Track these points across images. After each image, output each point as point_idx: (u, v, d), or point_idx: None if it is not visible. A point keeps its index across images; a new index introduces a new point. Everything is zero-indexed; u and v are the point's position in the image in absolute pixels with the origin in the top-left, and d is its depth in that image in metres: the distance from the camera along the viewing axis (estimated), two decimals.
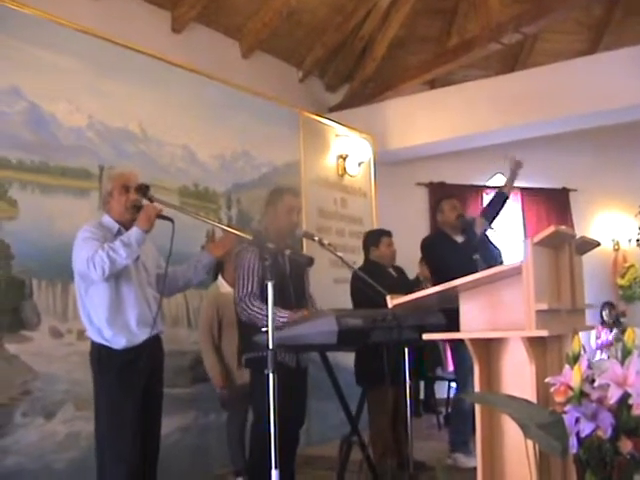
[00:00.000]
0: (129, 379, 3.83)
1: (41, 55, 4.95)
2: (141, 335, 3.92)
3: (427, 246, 6.26)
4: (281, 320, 4.02)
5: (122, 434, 3.78)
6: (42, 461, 4.60)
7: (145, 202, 3.94)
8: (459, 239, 6.09)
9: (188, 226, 3.99)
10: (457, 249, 6.00)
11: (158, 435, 4.08)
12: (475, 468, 2.97)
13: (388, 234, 6.13)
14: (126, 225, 3.97)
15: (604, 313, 10.56)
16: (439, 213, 6.24)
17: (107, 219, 4.01)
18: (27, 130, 4.85)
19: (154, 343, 4.02)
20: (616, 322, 10.05)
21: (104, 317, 3.83)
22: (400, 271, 6.05)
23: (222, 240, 4.31)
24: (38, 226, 4.79)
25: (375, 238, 6.06)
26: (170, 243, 3.83)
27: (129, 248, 3.74)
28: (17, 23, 4.83)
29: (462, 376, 5.89)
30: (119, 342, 3.84)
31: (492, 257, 5.84)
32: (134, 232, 3.80)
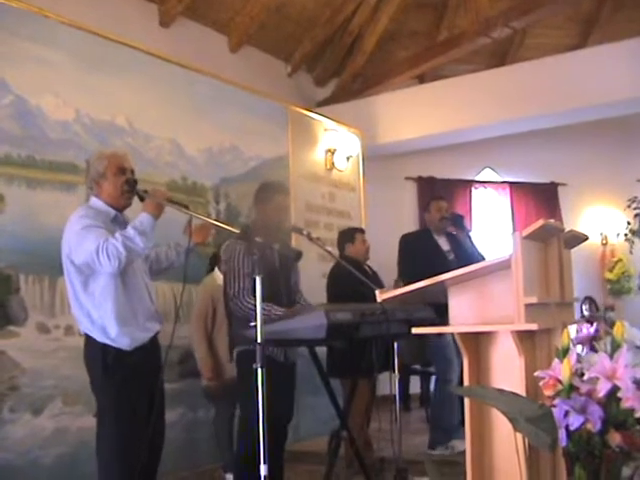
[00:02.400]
0: (139, 380, 3.63)
1: (28, 48, 4.92)
2: (148, 331, 3.74)
3: (406, 241, 6.31)
4: (278, 315, 4.00)
5: (130, 437, 3.58)
6: (29, 457, 4.58)
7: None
8: (441, 241, 6.16)
9: (172, 217, 3.90)
10: (436, 250, 6.08)
11: (163, 433, 3.89)
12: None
13: (362, 231, 6.24)
14: (120, 210, 3.76)
15: (584, 307, 10.57)
16: (426, 213, 6.36)
17: (98, 203, 3.71)
18: (13, 124, 4.82)
19: (154, 340, 3.82)
20: (595, 316, 10.06)
21: (112, 314, 3.56)
22: (373, 271, 6.08)
23: (202, 226, 4.07)
24: (25, 220, 4.76)
25: (350, 235, 6.11)
26: (189, 234, 3.78)
27: (145, 237, 3.49)
28: (3, 16, 4.79)
29: (441, 367, 5.95)
30: (125, 341, 3.59)
31: (469, 258, 5.87)
32: (146, 219, 3.56)
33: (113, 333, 3.58)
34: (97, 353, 3.62)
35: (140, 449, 3.56)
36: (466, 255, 5.93)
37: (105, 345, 3.59)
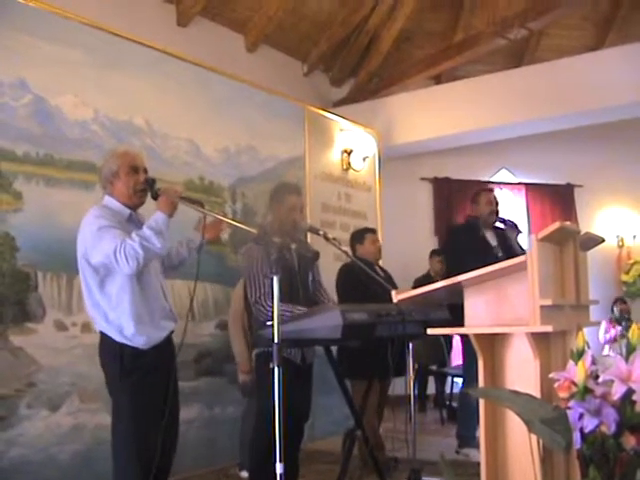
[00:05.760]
0: (156, 379, 3.63)
1: (47, 48, 4.95)
2: (163, 329, 3.73)
3: (452, 232, 6.30)
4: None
5: (146, 435, 3.56)
6: (46, 453, 4.60)
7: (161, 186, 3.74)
8: (489, 235, 6.05)
9: (186, 215, 3.92)
10: (484, 244, 5.99)
11: (176, 434, 3.87)
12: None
13: (372, 231, 6.19)
14: (134, 209, 3.76)
15: (615, 309, 10.54)
16: (474, 205, 6.21)
17: (113, 202, 3.72)
18: (33, 123, 4.85)
19: (169, 338, 3.81)
20: (627, 318, 10.03)
21: (128, 314, 3.57)
22: (385, 271, 6.05)
23: (213, 223, 4.03)
24: (43, 219, 4.79)
25: (360, 236, 6.06)
26: (202, 231, 3.80)
27: (161, 237, 3.50)
28: (23, 16, 4.83)
29: (472, 372, 5.93)
30: (141, 340, 3.59)
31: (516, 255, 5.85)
32: (161, 218, 3.55)
33: (129, 332, 3.58)
34: (114, 352, 3.61)
35: (156, 448, 3.54)
36: (514, 253, 5.84)
37: (122, 345, 3.59)
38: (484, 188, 6.57)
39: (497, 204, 6.14)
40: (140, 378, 3.59)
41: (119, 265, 3.45)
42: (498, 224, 6.05)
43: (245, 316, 5.40)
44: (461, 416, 6.14)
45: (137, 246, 3.44)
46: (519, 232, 6.04)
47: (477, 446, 5.71)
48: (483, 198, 6.13)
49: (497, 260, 5.60)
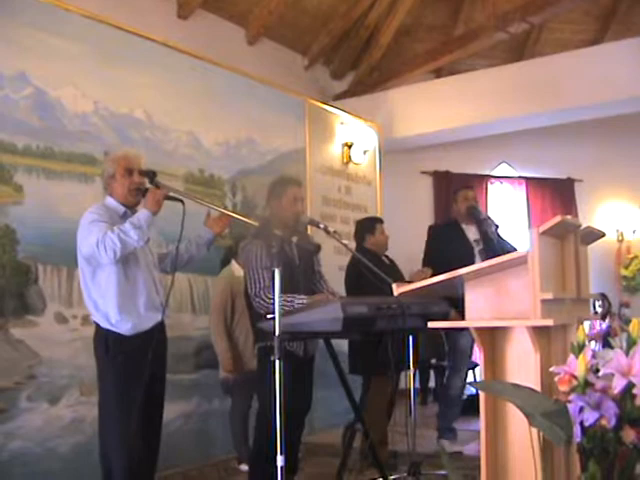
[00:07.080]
0: (137, 365, 3.79)
1: (47, 40, 4.94)
2: (149, 320, 3.93)
3: (433, 231, 6.30)
4: (301, 304, 4.01)
5: (127, 420, 3.74)
6: (46, 445, 4.62)
7: (149, 186, 3.94)
8: (470, 231, 6.05)
9: (191, 211, 3.95)
10: (463, 241, 5.99)
11: (160, 421, 4.08)
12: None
13: (381, 221, 6.14)
14: (130, 208, 3.98)
15: (597, 304, 10.52)
16: (453, 203, 6.25)
17: (111, 201, 3.99)
18: (33, 115, 4.85)
19: (159, 328, 3.98)
20: (608, 313, 10.01)
21: (113, 302, 3.81)
22: (391, 260, 6.04)
23: (220, 217, 4.31)
24: (43, 211, 4.80)
25: (370, 225, 6.02)
26: (181, 224, 3.85)
27: (140, 230, 3.72)
28: (24, 8, 4.82)
29: (455, 361, 5.94)
30: (125, 327, 3.82)
31: (496, 248, 5.81)
32: (143, 214, 3.78)
33: (114, 319, 3.83)
34: (101, 339, 3.87)
35: (140, 435, 3.78)
36: (493, 246, 5.85)
37: (108, 330, 3.84)
38: (462, 186, 6.62)
39: (474, 199, 6.23)
40: (123, 362, 3.81)
41: (100, 255, 3.70)
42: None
43: (229, 311, 5.42)
44: (441, 407, 6.17)
45: (115, 238, 3.69)
46: (496, 225, 6.07)
47: (450, 437, 5.80)
48: (460, 196, 6.19)
49: (475, 254, 5.68)
